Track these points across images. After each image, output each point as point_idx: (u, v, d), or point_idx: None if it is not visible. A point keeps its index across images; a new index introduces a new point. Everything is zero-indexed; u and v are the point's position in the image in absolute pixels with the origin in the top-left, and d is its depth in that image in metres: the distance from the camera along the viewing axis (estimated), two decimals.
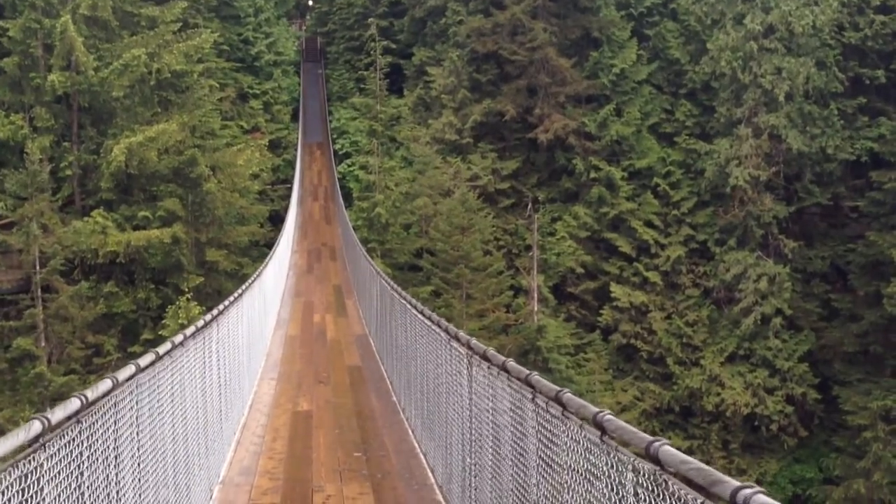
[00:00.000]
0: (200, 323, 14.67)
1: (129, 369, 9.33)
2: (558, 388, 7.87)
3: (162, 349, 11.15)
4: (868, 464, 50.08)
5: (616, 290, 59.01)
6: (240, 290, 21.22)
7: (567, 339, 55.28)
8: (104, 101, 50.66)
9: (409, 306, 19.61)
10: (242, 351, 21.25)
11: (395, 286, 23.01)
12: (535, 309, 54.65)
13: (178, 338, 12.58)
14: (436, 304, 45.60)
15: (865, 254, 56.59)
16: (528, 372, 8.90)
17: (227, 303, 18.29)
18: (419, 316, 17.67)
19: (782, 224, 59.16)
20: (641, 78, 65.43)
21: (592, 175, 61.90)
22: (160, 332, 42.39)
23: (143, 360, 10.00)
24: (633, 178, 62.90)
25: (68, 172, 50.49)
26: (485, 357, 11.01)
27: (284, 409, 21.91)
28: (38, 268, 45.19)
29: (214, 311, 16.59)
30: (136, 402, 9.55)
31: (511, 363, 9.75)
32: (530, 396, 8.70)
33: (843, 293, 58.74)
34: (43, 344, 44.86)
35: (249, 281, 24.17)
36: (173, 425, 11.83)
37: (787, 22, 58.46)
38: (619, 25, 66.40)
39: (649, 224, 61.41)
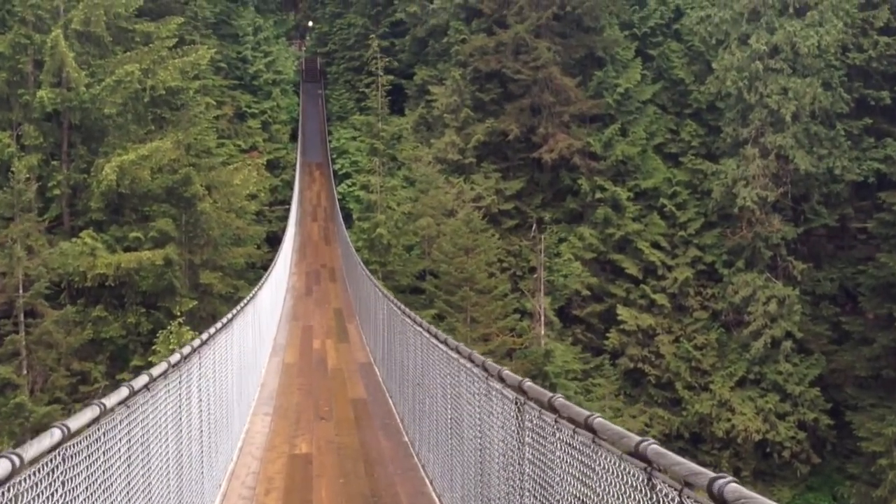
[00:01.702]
0: (175, 358, 11.38)
1: (51, 437, 6.16)
2: (714, 474, 4.60)
3: (112, 399, 7.97)
4: (885, 492, 47.82)
5: (623, 312, 56.22)
6: (230, 315, 17.93)
7: (575, 363, 52.17)
8: (96, 119, 47.40)
9: (426, 334, 16.32)
10: (232, 383, 17.95)
11: (408, 311, 19.70)
12: (542, 332, 51.53)
13: (141, 380, 9.34)
14: (439, 328, 42.31)
15: (876, 276, 53.83)
16: (638, 438, 5.64)
17: (212, 331, 15.01)
18: (441, 347, 14.35)
19: (791, 245, 56.53)
20: (646, 98, 62.70)
21: (598, 195, 59.13)
22: (150, 359, 39.04)
23: (77, 421, 6.82)
24: (638, 199, 60.18)
25: (57, 192, 47.20)
26: (551, 407, 7.75)
27: (280, 451, 18.51)
28: (21, 291, 41.78)
29: (196, 342, 13.34)
30: (63, 484, 6.38)
31: (600, 420, 6.50)
32: (644, 477, 5.46)
33: (854, 316, 55.91)
34: (25, 372, 41.40)
35: (241, 305, 20.81)
36: (128, 495, 8.58)
37: (792, 42, 55.99)
38: (623, 45, 63.72)
39: (656, 245, 58.75)
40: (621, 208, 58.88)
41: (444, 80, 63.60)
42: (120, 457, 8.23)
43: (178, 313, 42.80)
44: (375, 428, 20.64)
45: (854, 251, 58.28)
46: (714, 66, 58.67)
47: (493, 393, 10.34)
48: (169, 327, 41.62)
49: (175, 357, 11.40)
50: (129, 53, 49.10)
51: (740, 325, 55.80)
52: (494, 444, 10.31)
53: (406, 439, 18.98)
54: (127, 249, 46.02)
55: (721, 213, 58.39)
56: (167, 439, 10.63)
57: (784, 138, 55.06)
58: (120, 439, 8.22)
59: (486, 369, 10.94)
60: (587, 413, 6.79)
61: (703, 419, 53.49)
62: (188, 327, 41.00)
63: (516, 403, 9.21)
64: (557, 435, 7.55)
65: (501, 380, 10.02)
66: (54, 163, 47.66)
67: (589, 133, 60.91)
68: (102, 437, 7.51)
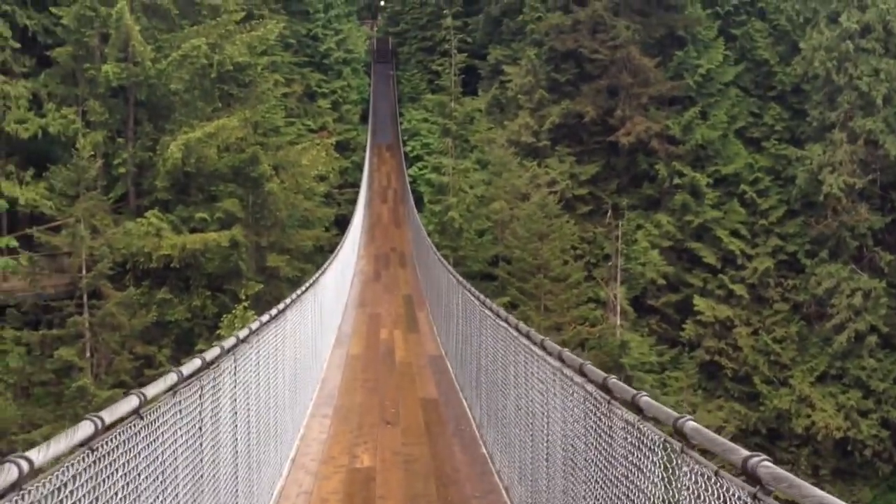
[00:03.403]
0: (193, 366, 8.32)
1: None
2: None
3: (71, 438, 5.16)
4: None
5: (700, 303, 52.79)
6: (280, 307, 14.81)
7: (651, 355, 48.81)
8: (162, 95, 44.60)
9: (513, 332, 13.08)
10: (285, 382, 14.90)
11: (492, 304, 16.45)
12: (618, 322, 48.16)
13: (126, 406, 6.44)
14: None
15: None
16: None
17: (254, 326, 11.97)
18: (537, 351, 11.12)
19: (877, 235, 52.84)
20: (728, 79, 58.86)
21: (676, 181, 55.62)
22: (215, 344, 36.05)
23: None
24: (718, 185, 56.52)
25: (122, 170, 44.47)
26: (750, 476, 4.68)
27: (338, 464, 15.34)
28: (84, 272, 39.12)
29: (229, 342, 10.28)
30: None
31: None
32: None
33: None
34: (88, 354, 38.73)
35: (298, 292, 17.70)
36: None
37: (884, 21, 52.42)
38: (705, 24, 59.76)
39: (735, 234, 55.20)
40: (700, 195, 55.34)
41: (519, 60, 60.20)
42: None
43: (244, 297, 40.03)
44: (448, 436, 17.47)
45: None
46: (801, 46, 55.03)
47: (624, 427, 7.16)
48: (234, 311, 38.75)
49: (193, 364, 8.34)
50: (195, 27, 46.27)
51: (822, 318, 52.15)
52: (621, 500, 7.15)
53: (484, 451, 15.82)
54: (193, 230, 43.41)
55: (805, 200, 54.72)
56: (175, 472, 7.62)
57: (874, 122, 51.36)
58: (126, 461, 6.16)
59: (607, 390, 7.77)
60: None
61: (782, 415, 50.23)
62: (253, 311, 38.13)
63: (666, 448, 6.07)
64: None
65: (638, 410, 6.87)
66: (120, 140, 44.94)
67: (668, 116, 57.20)
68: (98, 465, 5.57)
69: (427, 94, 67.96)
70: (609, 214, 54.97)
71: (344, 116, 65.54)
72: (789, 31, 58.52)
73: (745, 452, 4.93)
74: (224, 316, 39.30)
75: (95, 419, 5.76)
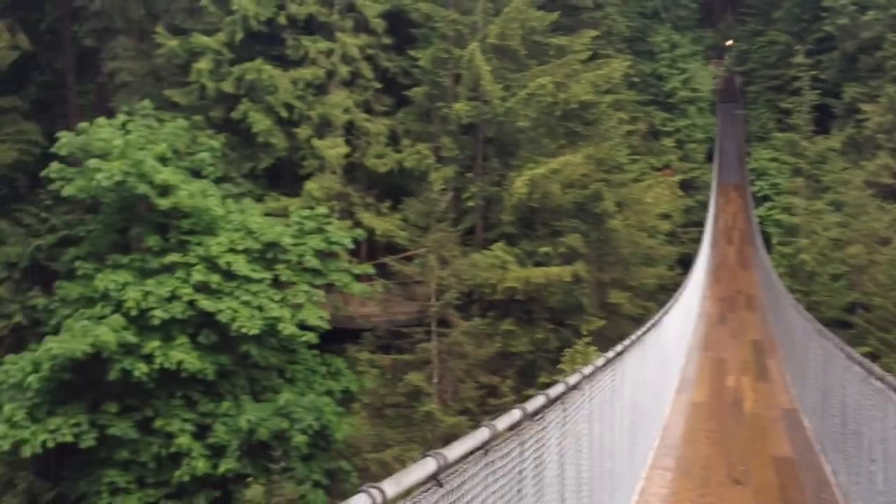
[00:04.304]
0: (512, 418, 6.78)
1: None
2: None
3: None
4: None
5: None
6: (621, 346, 13.05)
7: None
8: (509, 132, 44.42)
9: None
10: (622, 432, 13.13)
11: (861, 358, 13.86)
12: None
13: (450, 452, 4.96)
14: None
15: None
16: None
17: (587, 371, 10.30)
18: None
19: None
20: None
21: None
22: (555, 378, 34.85)
23: None
24: None
25: (471, 204, 44.60)
26: None
27: None
28: (433, 300, 39.21)
29: (556, 389, 8.65)
30: None
31: None
32: None
33: None
34: (435, 380, 38.71)
35: (640, 331, 15.85)
36: None
37: None
38: None
39: None
40: None
41: (878, 98, 55.68)
42: None
43: (585, 332, 38.52)
44: (807, 503, 14.99)
45: None
46: None
47: None
48: (575, 346, 37.31)
49: (510, 417, 6.79)
50: (542, 67, 45.75)
51: None
52: None
53: None
54: (537, 264, 42.43)
55: None
56: None
57: None
58: None
59: None
60: None
61: None
62: (595, 347, 36.57)
63: None
64: None
65: None
66: (469, 175, 45.15)
67: None
68: None
69: (775, 133, 64.51)
70: None
71: (688, 155, 63.59)
72: None
73: None
74: (565, 350, 37.97)
75: (374, 491, 4.30)
